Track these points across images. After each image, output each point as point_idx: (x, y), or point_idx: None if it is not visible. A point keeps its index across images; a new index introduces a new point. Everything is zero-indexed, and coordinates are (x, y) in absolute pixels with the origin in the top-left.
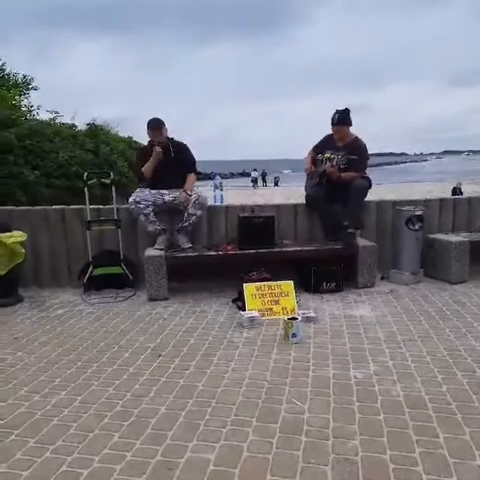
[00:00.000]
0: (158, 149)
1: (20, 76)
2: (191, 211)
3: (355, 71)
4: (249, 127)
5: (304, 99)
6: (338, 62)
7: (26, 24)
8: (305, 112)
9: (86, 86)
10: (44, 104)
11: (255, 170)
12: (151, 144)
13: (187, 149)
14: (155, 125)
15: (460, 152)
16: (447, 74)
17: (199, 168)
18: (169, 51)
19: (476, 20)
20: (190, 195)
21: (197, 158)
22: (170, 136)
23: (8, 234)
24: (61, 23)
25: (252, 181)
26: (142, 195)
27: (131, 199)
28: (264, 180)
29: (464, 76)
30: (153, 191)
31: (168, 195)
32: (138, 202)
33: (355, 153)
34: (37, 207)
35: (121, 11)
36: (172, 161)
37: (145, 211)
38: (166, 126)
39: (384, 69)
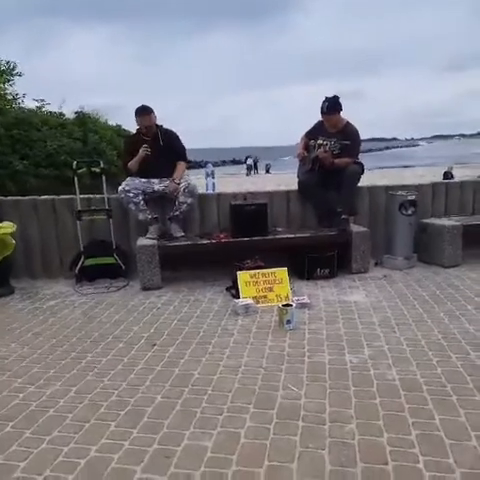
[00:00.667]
0: (145, 148)
1: (3, 62)
2: (181, 199)
3: (349, 58)
4: (247, 115)
5: (301, 86)
6: (333, 50)
7: (20, 13)
8: (302, 99)
9: (80, 76)
10: (36, 93)
11: (250, 157)
12: (139, 132)
13: (176, 137)
14: (143, 111)
15: (451, 136)
16: (439, 60)
17: (192, 156)
18: (165, 41)
19: (469, 6)
20: (179, 184)
21: (193, 146)
22: (159, 123)
23: None
24: (58, 12)
25: (247, 168)
26: (132, 184)
27: (121, 188)
28: (255, 167)
29: (456, 61)
30: (143, 180)
31: (158, 184)
32: (128, 191)
33: (347, 138)
34: (26, 197)
35: (118, 1)
36: (161, 149)
37: (135, 200)
38: (155, 113)
39: (377, 56)
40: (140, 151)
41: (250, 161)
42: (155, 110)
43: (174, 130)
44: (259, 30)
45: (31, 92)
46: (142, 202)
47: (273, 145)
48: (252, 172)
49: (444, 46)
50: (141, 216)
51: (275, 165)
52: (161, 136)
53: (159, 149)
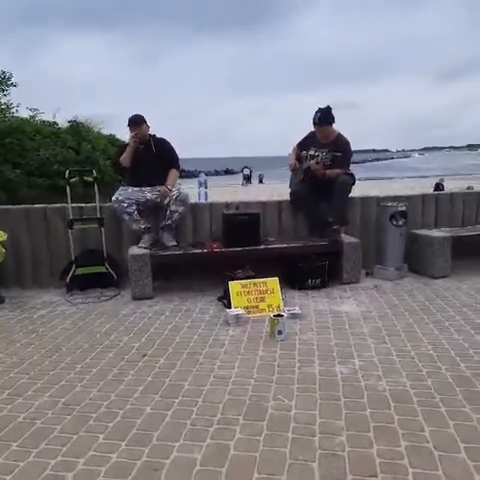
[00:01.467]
0: (133, 139)
1: None
2: (173, 208)
3: (341, 71)
4: (241, 124)
5: (293, 95)
6: (325, 61)
7: (13, 21)
8: (295, 109)
9: (74, 85)
10: (30, 102)
11: (247, 167)
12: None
13: (169, 145)
14: (134, 122)
15: (441, 148)
16: (430, 72)
17: (184, 166)
18: (162, 47)
19: (462, 16)
20: (171, 190)
21: (183, 156)
22: (152, 133)
23: None
24: (51, 19)
25: (244, 178)
26: (125, 193)
27: (114, 198)
28: (249, 178)
29: (448, 73)
30: (135, 189)
31: (150, 192)
32: (121, 201)
33: (339, 150)
34: (18, 206)
35: (113, 6)
36: (153, 157)
37: (128, 210)
38: (147, 123)
39: (368, 67)
40: (130, 142)
41: (247, 171)
42: (149, 119)
43: (167, 139)
44: (255, 37)
45: (25, 101)
46: (136, 212)
47: (266, 155)
48: (248, 182)
49: (436, 55)
50: (135, 226)
51: (268, 175)
52: (154, 144)
53: (151, 157)
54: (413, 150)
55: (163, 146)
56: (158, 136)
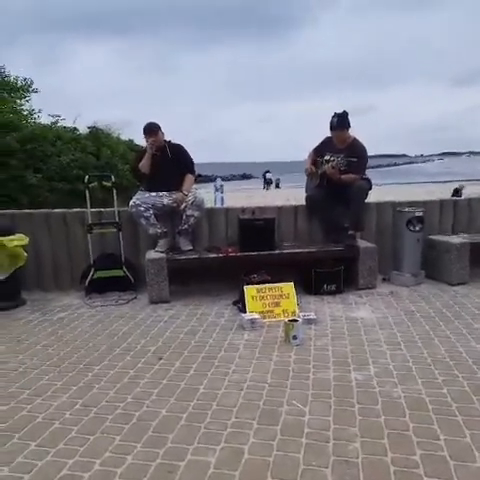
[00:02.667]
0: (150, 146)
1: (20, 79)
2: (189, 213)
3: (356, 73)
4: (252, 130)
5: (308, 101)
6: (341, 64)
7: (30, 28)
8: (309, 114)
9: (89, 90)
10: (48, 108)
11: (269, 171)
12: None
13: (184, 150)
14: (150, 130)
15: (460, 154)
16: (448, 76)
17: (200, 170)
18: (171, 54)
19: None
20: (186, 195)
21: (197, 160)
22: (167, 139)
23: (10, 237)
24: (66, 27)
25: (266, 182)
26: (142, 198)
27: (131, 202)
28: (268, 182)
29: (465, 77)
30: (153, 194)
31: (167, 197)
32: (138, 205)
33: (354, 155)
34: (39, 210)
35: (123, 15)
36: (170, 162)
37: (146, 214)
38: (162, 130)
39: (385, 71)
40: (147, 149)
41: (269, 175)
42: (165, 123)
43: (182, 144)
44: (266, 42)
45: (46, 107)
46: (153, 216)
47: (279, 160)
48: (271, 186)
49: (455, 59)
50: (151, 230)
51: (284, 180)
52: (169, 150)
53: (167, 163)
54: (432, 155)
55: (179, 152)
56: (173, 142)
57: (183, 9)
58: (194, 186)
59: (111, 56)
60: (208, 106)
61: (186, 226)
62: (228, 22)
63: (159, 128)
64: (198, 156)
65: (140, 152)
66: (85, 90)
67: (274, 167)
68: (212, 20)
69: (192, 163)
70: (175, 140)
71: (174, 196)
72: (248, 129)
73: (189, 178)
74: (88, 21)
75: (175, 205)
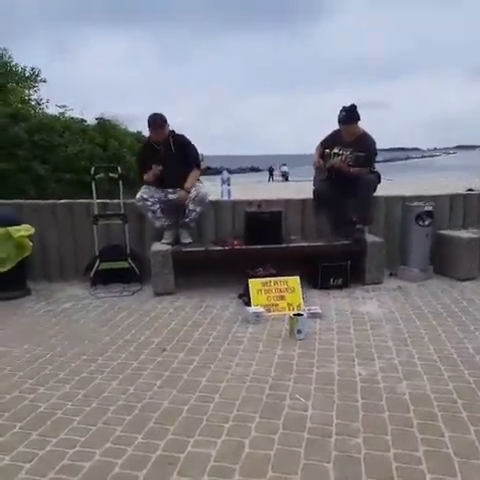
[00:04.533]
0: (158, 168)
1: (28, 69)
2: (191, 207)
3: (372, 66)
4: (265, 122)
5: (321, 93)
6: (355, 57)
7: (44, 19)
8: (321, 107)
9: (100, 81)
10: (58, 98)
11: (284, 164)
12: (150, 141)
13: (188, 142)
14: (156, 124)
15: (474, 147)
16: (462, 69)
17: (209, 163)
18: (187, 45)
19: None
20: (189, 192)
21: (209, 153)
22: (171, 129)
23: (16, 228)
24: (79, 17)
25: (282, 175)
26: (149, 192)
27: (138, 196)
28: (271, 175)
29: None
30: (158, 189)
31: (172, 193)
32: (146, 199)
33: (363, 149)
34: (45, 201)
35: (138, 5)
36: (174, 157)
37: (152, 208)
38: (167, 122)
39: (400, 64)
40: (153, 167)
41: (284, 168)
42: (174, 116)
43: (186, 135)
44: (281, 36)
45: (54, 97)
46: (159, 210)
47: (289, 153)
48: (285, 179)
49: (469, 53)
50: (158, 223)
51: (292, 173)
52: (173, 143)
53: (171, 157)
54: (446, 148)
55: (182, 144)
56: (177, 133)
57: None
58: (201, 178)
59: (126, 47)
60: (222, 99)
61: (188, 220)
62: (245, 12)
63: (165, 121)
64: (210, 149)
65: (143, 147)
66: (96, 81)
67: (284, 160)
68: (228, 12)
69: (197, 155)
70: (185, 132)
71: (178, 194)
72: (260, 122)
73: (193, 174)
74: (104, 11)
75: (178, 200)
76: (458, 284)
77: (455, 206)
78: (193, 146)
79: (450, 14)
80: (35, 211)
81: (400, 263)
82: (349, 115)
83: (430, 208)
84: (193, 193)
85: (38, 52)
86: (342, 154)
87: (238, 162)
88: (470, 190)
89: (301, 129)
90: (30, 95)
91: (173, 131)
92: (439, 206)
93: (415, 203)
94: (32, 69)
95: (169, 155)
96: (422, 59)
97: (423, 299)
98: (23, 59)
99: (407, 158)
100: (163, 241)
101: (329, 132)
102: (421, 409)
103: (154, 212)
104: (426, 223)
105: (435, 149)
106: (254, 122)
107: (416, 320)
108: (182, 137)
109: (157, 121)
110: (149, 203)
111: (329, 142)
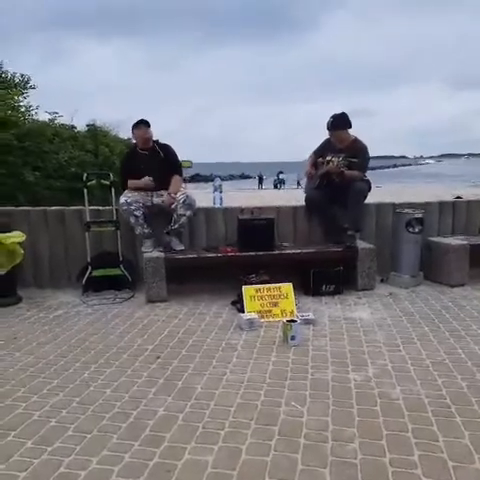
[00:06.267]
0: (150, 180)
1: (18, 75)
2: (180, 212)
3: (360, 76)
4: (253, 130)
5: (308, 103)
6: (343, 67)
7: (34, 25)
8: (310, 115)
9: (91, 88)
10: (48, 105)
11: (282, 172)
12: (136, 147)
13: (172, 151)
14: (141, 123)
15: (460, 155)
16: (448, 78)
17: (199, 170)
18: (176, 53)
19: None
20: (174, 198)
21: (198, 160)
22: (154, 139)
23: (7, 235)
24: (70, 25)
25: (279, 182)
26: (133, 197)
27: (122, 200)
28: (261, 183)
29: (464, 79)
30: (142, 193)
31: (156, 197)
32: (130, 203)
33: (355, 155)
34: (36, 208)
35: (129, 14)
36: (159, 163)
37: (136, 213)
38: (151, 128)
39: (386, 73)
40: (143, 179)
41: (283, 176)
42: (162, 124)
43: (169, 144)
44: (271, 45)
45: (43, 104)
46: (142, 216)
47: (278, 161)
48: (282, 186)
49: (453, 63)
50: (138, 230)
51: (285, 180)
52: (159, 149)
53: (156, 162)
54: (431, 157)
55: (167, 151)
56: (161, 142)
57: (189, 10)
58: (191, 185)
59: (117, 55)
60: (212, 106)
61: (177, 225)
62: (233, 23)
63: (149, 124)
64: (200, 156)
65: (126, 156)
66: (87, 88)
67: (277, 167)
68: (219, 21)
69: (179, 163)
70: (175, 139)
71: (162, 197)
72: (252, 129)
73: (176, 179)
74: (95, 19)
75: (164, 205)
76: (448, 290)
77: (444, 213)
78: (176, 155)
79: (435, 24)
80: (26, 218)
81: (391, 269)
82: (335, 122)
83: (420, 215)
84: (182, 197)
85: (28, 59)
86: (334, 160)
87: (225, 169)
88: (458, 197)
89: (292, 137)
90: (20, 101)
91: (157, 140)
92: (429, 213)
93: (405, 210)
94: (22, 76)
95: (154, 160)
96: (407, 69)
97: (414, 305)
98: (13, 66)
99: (394, 166)
100: (144, 249)
101: (320, 141)
102: (415, 414)
103: (137, 217)
104: (416, 230)
105: (422, 157)
106: (244, 129)
107: (408, 326)
108: (166, 145)
109: (142, 121)
110: (133, 207)
111: (321, 151)
